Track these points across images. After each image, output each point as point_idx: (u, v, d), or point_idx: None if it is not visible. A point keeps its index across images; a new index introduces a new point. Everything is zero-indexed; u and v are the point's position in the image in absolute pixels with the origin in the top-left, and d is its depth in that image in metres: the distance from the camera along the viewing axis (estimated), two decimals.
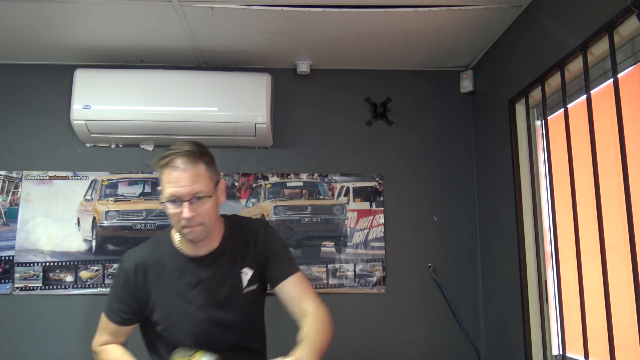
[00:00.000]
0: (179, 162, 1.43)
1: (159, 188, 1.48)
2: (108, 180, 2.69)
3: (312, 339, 1.46)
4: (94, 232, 2.64)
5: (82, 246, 2.63)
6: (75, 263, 2.61)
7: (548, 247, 2.13)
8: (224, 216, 1.65)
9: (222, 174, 2.73)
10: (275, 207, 2.72)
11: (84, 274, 2.61)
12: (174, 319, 1.56)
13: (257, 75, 2.59)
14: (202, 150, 1.50)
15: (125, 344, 1.65)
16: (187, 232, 1.47)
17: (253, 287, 1.62)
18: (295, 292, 1.59)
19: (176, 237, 1.59)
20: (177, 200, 1.43)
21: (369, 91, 2.85)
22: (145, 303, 1.57)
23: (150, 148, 2.73)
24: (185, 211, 1.43)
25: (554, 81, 2.02)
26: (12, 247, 2.60)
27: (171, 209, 1.45)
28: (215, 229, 1.56)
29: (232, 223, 1.66)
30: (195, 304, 1.56)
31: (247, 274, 1.61)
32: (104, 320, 1.62)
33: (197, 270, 1.57)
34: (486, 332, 2.64)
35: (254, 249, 1.63)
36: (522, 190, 2.25)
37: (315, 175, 2.77)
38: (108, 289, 2.48)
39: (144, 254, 1.60)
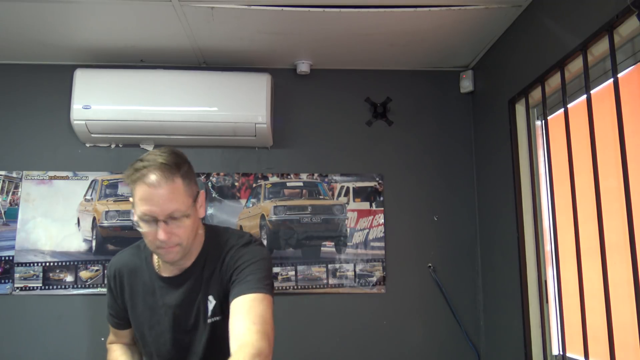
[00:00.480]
0: (153, 177, 1.25)
1: (131, 199, 1.32)
2: (108, 180, 2.69)
3: None
4: (94, 232, 2.64)
5: (82, 246, 2.63)
6: (75, 263, 2.61)
7: (548, 247, 2.13)
8: (206, 227, 1.49)
9: (222, 174, 2.73)
10: (275, 207, 2.71)
11: (84, 274, 2.61)
12: (143, 333, 1.50)
13: (257, 75, 2.59)
14: (178, 161, 1.31)
15: (131, 344, 1.65)
16: (162, 253, 1.33)
17: (217, 319, 1.42)
18: (236, 314, 1.27)
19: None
20: (151, 219, 1.28)
21: (369, 91, 2.85)
22: (125, 309, 1.53)
23: (150, 148, 2.73)
24: (161, 233, 1.27)
25: (554, 81, 2.02)
26: (12, 247, 2.60)
27: (144, 228, 1.29)
28: (195, 244, 1.41)
29: (212, 237, 1.46)
30: (163, 325, 1.45)
31: (211, 302, 1.42)
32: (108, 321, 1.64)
33: (166, 291, 1.44)
34: (486, 332, 2.64)
35: (219, 275, 1.41)
36: (522, 190, 2.25)
37: (315, 175, 2.76)
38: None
39: (123, 261, 1.52)
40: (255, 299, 1.29)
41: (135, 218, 1.31)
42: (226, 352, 1.24)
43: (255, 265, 1.36)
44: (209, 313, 1.42)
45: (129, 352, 1.61)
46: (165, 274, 1.45)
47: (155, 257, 1.47)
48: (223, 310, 1.40)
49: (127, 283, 1.50)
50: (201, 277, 1.42)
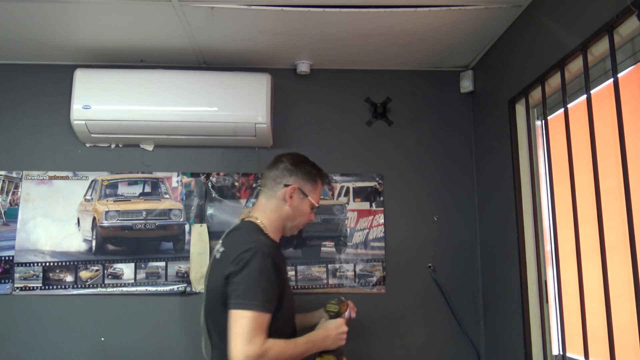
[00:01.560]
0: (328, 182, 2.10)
1: (291, 185, 1.91)
2: (108, 180, 2.69)
3: None
4: (94, 232, 2.64)
5: (82, 246, 2.63)
6: (75, 263, 2.61)
7: (548, 247, 2.13)
8: None
9: (222, 174, 2.74)
10: None
11: (84, 274, 2.61)
12: (289, 299, 1.80)
13: (257, 75, 2.59)
14: None
15: None
16: (301, 227, 1.98)
17: None
18: None
19: (261, 226, 1.88)
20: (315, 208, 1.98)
21: (369, 91, 2.85)
22: (279, 286, 1.74)
23: (150, 148, 2.73)
24: (313, 216, 2.02)
25: (554, 81, 2.02)
26: (12, 247, 2.60)
27: (309, 212, 1.96)
28: None
29: None
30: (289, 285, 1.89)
31: None
32: (260, 319, 1.59)
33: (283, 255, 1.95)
34: (486, 332, 2.64)
35: None
36: (522, 190, 2.25)
37: None
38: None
39: (265, 240, 1.81)
40: None
41: (314, 205, 1.97)
42: None
43: None
44: None
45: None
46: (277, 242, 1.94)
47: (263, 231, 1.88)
48: None
49: (277, 258, 1.78)
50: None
